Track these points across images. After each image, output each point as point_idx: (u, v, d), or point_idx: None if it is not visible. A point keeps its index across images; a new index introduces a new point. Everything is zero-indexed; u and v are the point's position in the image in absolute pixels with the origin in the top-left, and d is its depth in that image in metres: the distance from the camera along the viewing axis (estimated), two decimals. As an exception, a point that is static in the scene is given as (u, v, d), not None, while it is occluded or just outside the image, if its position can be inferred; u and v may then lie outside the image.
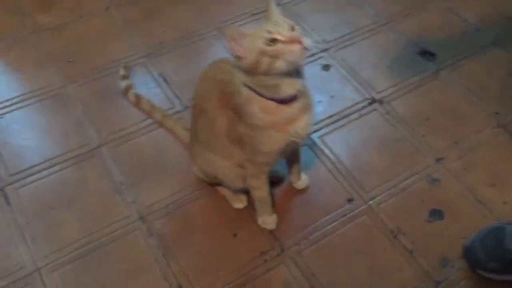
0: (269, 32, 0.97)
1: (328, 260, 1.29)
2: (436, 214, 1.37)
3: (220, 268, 1.27)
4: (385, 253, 1.30)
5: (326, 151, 1.49)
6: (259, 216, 1.32)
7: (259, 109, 1.07)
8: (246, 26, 1.81)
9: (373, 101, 1.62)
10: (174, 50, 1.73)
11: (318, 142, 1.51)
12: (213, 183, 1.36)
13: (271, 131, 1.09)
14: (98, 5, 1.86)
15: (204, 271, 1.26)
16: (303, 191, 1.41)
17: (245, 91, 1.07)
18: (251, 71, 1.02)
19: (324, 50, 1.75)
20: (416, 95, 1.64)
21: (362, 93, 1.64)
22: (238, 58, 1.01)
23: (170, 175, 1.43)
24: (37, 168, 1.43)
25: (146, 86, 1.63)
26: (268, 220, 1.32)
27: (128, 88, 1.58)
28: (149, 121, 1.54)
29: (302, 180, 1.40)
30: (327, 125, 1.55)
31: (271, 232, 1.33)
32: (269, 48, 0.97)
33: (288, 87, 1.05)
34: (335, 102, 1.61)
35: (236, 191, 1.34)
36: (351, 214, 1.37)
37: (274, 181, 1.40)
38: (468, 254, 1.26)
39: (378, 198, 1.40)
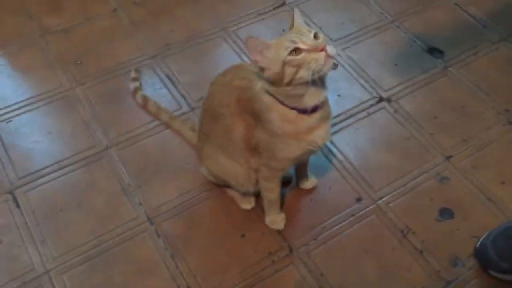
0: (292, 41, 0.97)
1: (337, 260, 1.28)
2: (446, 213, 1.36)
3: (228, 269, 1.27)
4: (394, 253, 1.29)
5: (334, 150, 1.49)
6: (267, 216, 1.32)
7: (278, 117, 1.07)
8: (253, 26, 1.81)
9: (380, 99, 1.61)
10: (181, 51, 1.73)
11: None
12: (220, 185, 1.36)
13: (289, 139, 1.09)
14: (105, 7, 1.86)
15: (212, 272, 1.26)
16: (311, 191, 1.40)
17: (266, 98, 1.06)
18: (276, 82, 1.01)
19: (331, 49, 1.74)
20: (424, 92, 1.62)
21: (369, 91, 1.63)
22: (262, 69, 1.01)
23: (178, 176, 1.43)
24: (46, 170, 1.44)
25: (153, 87, 1.63)
26: (276, 220, 1.32)
27: (136, 89, 1.58)
28: (156, 122, 1.55)
29: (310, 180, 1.39)
30: (335, 124, 1.54)
31: (279, 232, 1.32)
32: (293, 58, 0.97)
33: (312, 98, 1.04)
34: (343, 101, 1.60)
35: (248, 194, 1.33)
36: (359, 213, 1.36)
37: (283, 181, 1.39)
38: (479, 254, 1.25)
39: (386, 197, 1.39)
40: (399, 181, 1.42)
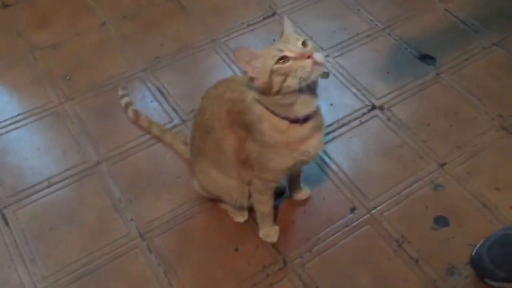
0: (279, 50, 0.97)
1: (332, 272, 1.27)
2: (441, 221, 1.35)
3: (222, 284, 1.25)
4: (390, 263, 1.28)
5: (327, 160, 1.47)
6: (261, 229, 1.30)
7: (270, 127, 1.05)
8: (243, 36, 1.80)
9: (373, 107, 1.59)
10: (171, 64, 1.72)
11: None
12: (211, 198, 1.34)
13: (281, 149, 1.08)
14: (94, 21, 1.85)
15: (206, 287, 1.24)
16: (304, 202, 1.39)
17: (257, 108, 1.06)
18: (265, 92, 1.01)
19: (322, 58, 1.73)
20: (417, 100, 1.61)
21: (362, 100, 1.61)
22: (252, 79, 1.01)
23: (170, 191, 1.41)
24: (35, 188, 1.42)
25: (143, 100, 1.62)
26: (270, 233, 1.30)
27: (128, 105, 1.57)
28: (147, 136, 1.53)
29: (303, 191, 1.38)
30: (327, 134, 1.53)
31: (273, 245, 1.31)
32: (280, 66, 0.96)
33: (303, 107, 1.03)
34: (335, 110, 1.59)
35: (242, 207, 1.31)
36: (354, 224, 1.35)
37: (276, 192, 1.37)
38: (475, 263, 1.23)
39: (381, 206, 1.38)
40: (393, 190, 1.41)
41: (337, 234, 1.33)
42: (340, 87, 1.65)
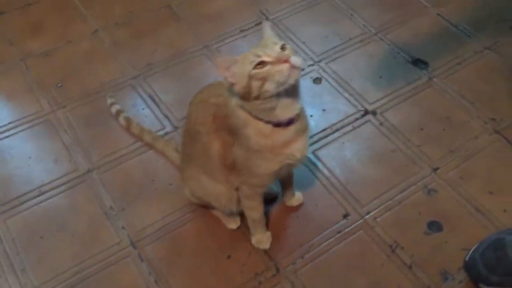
0: (257, 55, 0.97)
1: (325, 278, 1.26)
2: (434, 226, 1.34)
3: (214, 292, 1.24)
4: (383, 269, 1.27)
5: (320, 165, 1.47)
6: (253, 235, 1.30)
7: (254, 132, 1.05)
8: (236, 42, 1.80)
9: (366, 112, 1.59)
10: (163, 70, 1.72)
11: (311, 157, 1.48)
12: (203, 205, 1.34)
13: (266, 154, 1.07)
14: (86, 28, 1.85)
15: (197, 296, 1.23)
16: (297, 208, 1.38)
17: (241, 113, 1.05)
18: (245, 97, 1.01)
19: (315, 63, 1.73)
20: (410, 104, 1.61)
21: (354, 105, 1.61)
22: (231, 84, 1.01)
23: (161, 198, 1.40)
24: (26, 197, 1.41)
25: (135, 108, 1.61)
26: (262, 239, 1.30)
27: (118, 113, 1.56)
28: (139, 143, 1.52)
29: (296, 197, 1.37)
30: (320, 139, 1.52)
31: (266, 252, 1.30)
32: (257, 71, 0.96)
33: (285, 110, 1.03)
34: (327, 116, 1.59)
35: (232, 214, 1.31)
36: (347, 229, 1.34)
37: (267, 198, 1.37)
38: (469, 268, 1.22)
39: (374, 212, 1.37)
40: (386, 195, 1.40)
41: (330, 240, 1.32)
42: (333, 92, 1.65)
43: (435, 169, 1.45)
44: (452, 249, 1.29)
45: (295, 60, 0.96)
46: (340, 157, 1.49)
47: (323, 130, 1.55)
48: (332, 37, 1.81)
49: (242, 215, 1.30)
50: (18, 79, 1.70)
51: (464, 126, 1.54)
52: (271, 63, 0.96)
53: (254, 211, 1.23)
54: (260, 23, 1.85)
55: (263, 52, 0.97)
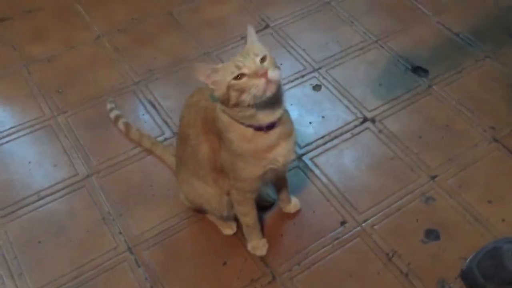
0: (237, 66, 0.99)
1: (321, 285, 1.26)
2: (431, 234, 1.33)
3: (209, 298, 1.24)
4: (379, 277, 1.26)
5: (317, 172, 1.47)
6: (249, 242, 1.30)
7: (237, 136, 1.07)
8: (236, 49, 1.80)
9: (365, 120, 1.59)
10: (164, 77, 1.73)
11: (309, 164, 1.48)
12: (199, 210, 1.34)
13: (249, 158, 1.08)
14: (88, 34, 1.86)
15: (193, 302, 1.24)
16: (294, 214, 1.38)
17: (224, 117, 1.07)
18: (224, 103, 1.03)
19: (315, 70, 1.73)
20: (409, 112, 1.61)
21: (353, 112, 1.61)
22: (213, 90, 1.03)
23: (159, 204, 1.41)
24: (25, 201, 1.42)
25: (135, 113, 1.62)
26: (258, 246, 1.30)
27: (117, 118, 1.57)
28: (138, 149, 1.53)
29: (293, 204, 1.37)
30: (318, 146, 1.53)
31: (262, 258, 1.30)
32: (235, 82, 0.98)
33: (265, 116, 1.04)
34: (327, 123, 1.59)
35: (227, 218, 1.31)
36: (344, 237, 1.34)
37: (264, 205, 1.38)
38: (466, 277, 1.22)
39: (371, 219, 1.37)
40: (384, 203, 1.40)
41: (326, 247, 1.32)
42: (332, 100, 1.65)
43: (434, 177, 1.45)
44: (449, 257, 1.29)
45: (272, 74, 0.98)
46: (338, 164, 1.49)
47: (322, 137, 1.55)
48: (332, 45, 1.81)
49: (238, 221, 1.31)
50: (20, 84, 1.71)
51: (463, 134, 1.54)
52: (249, 75, 0.98)
53: (247, 216, 1.23)
54: (261, 30, 1.86)
55: (243, 64, 0.98)
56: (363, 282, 1.26)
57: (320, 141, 1.54)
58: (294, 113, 1.60)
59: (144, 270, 1.29)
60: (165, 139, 1.55)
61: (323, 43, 1.82)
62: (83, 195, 1.43)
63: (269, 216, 1.38)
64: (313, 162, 1.49)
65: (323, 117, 1.60)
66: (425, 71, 1.72)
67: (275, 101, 1.03)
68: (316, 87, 1.69)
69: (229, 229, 1.33)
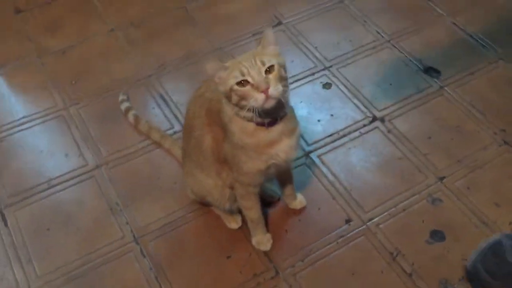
0: (241, 73, 1.00)
1: (323, 283, 1.26)
2: (437, 235, 1.33)
3: (212, 290, 1.25)
4: (383, 276, 1.26)
5: (325, 170, 1.47)
6: (253, 236, 1.31)
7: (238, 129, 1.08)
8: (248, 45, 1.81)
9: (374, 119, 1.59)
10: (175, 71, 1.74)
11: (317, 161, 1.49)
12: (204, 203, 1.35)
13: (250, 152, 1.09)
14: (102, 27, 1.89)
15: (196, 294, 1.25)
16: (299, 211, 1.38)
17: (228, 110, 1.08)
18: (227, 99, 1.05)
19: (326, 68, 1.73)
20: (419, 112, 1.60)
21: (363, 111, 1.61)
22: (217, 84, 1.05)
23: (165, 196, 1.42)
24: (35, 189, 1.45)
25: (146, 106, 1.64)
26: (262, 241, 1.30)
27: (128, 110, 1.59)
28: (147, 141, 1.55)
29: (298, 200, 1.38)
30: (326, 144, 1.53)
31: (266, 253, 1.30)
32: (238, 88, 1.00)
33: (265, 115, 1.04)
34: (335, 121, 1.59)
35: (230, 212, 1.32)
36: (348, 235, 1.34)
37: (269, 200, 1.38)
38: (471, 277, 1.22)
39: (377, 218, 1.37)
40: (390, 202, 1.40)
41: (331, 245, 1.32)
42: (342, 98, 1.65)
43: (441, 179, 1.44)
44: (453, 259, 1.28)
45: (273, 92, 0.99)
46: (345, 163, 1.49)
47: (330, 135, 1.55)
48: (344, 43, 1.81)
49: (244, 215, 1.31)
50: (34, 75, 1.74)
51: (473, 136, 1.53)
52: (251, 85, 0.99)
53: (251, 211, 1.24)
54: (274, 26, 1.86)
55: (247, 72, 0.99)
56: (366, 281, 1.26)
57: (328, 139, 1.54)
58: (303, 111, 1.60)
59: (149, 261, 1.30)
60: (174, 133, 1.57)
61: (335, 42, 1.82)
62: (92, 185, 1.46)
63: (274, 211, 1.38)
64: (320, 159, 1.49)
65: (332, 115, 1.60)
66: (437, 72, 1.71)
67: (275, 109, 1.03)
68: (326, 85, 1.69)
69: (234, 223, 1.34)
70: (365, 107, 1.62)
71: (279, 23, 1.88)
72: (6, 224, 1.38)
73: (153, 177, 1.46)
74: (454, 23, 1.85)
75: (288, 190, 1.34)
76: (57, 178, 1.47)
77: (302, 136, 1.51)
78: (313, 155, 1.50)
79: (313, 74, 1.72)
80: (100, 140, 1.56)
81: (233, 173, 1.16)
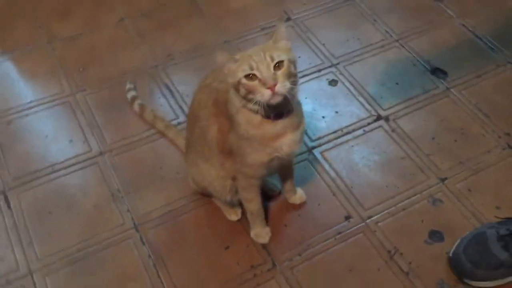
0: (250, 66, 1.00)
1: (320, 278, 1.26)
2: (435, 235, 1.33)
3: (209, 280, 1.26)
4: (380, 273, 1.27)
5: (326, 166, 1.47)
6: (252, 229, 1.31)
7: (245, 120, 1.08)
8: (256, 39, 1.81)
9: (378, 118, 1.59)
10: (182, 62, 1.75)
11: (319, 157, 1.49)
12: (206, 194, 1.36)
13: (255, 144, 1.10)
14: (112, 16, 1.90)
15: (192, 283, 1.26)
16: (299, 206, 1.39)
17: (235, 100, 1.08)
18: (235, 90, 1.05)
19: (332, 65, 1.73)
20: (424, 113, 1.60)
21: (368, 109, 1.61)
22: (226, 75, 1.05)
23: (167, 185, 1.43)
24: (39, 173, 1.47)
25: (152, 96, 1.65)
26: (261, 234, 1.31)
27: (134, 98, 1.60)
28: (152, 131, 1.56)
29: (298, 195, 1.38)
30: (330, 141, 1.53)
31: (264, 246, 1.31)
32: (245, 82, 1.01)
33: (273, 109, 1.05)
34: (340, 118, 1.59)
35: (231, 204, 1.33)
36: (347, 231, 1.34)
37: (270, 194, 1.39)
38: (454, 264, 1.24)
39: (376, 216, 1.37)
40: (391, 201, 1.40)
41: (329, 240, 1.33)
42: (347, 95, 1.65)
43: (443, 180, 1.44)
44: (451, 260, 1.28)
45: (281, 89, 0.99)
46: (348, 160, 1.49)
47: (334, 132, 1.55)
48: (353, 41, 1.81)
49: (243, 208, 1.32)
50: (43, 60, 1.76)
51: (477, 139, 1.53)
52: (259, 80, 0.99)
53: (251, 203, 1.25)
54: (284, 21, 1.86)
55: (256, 66, 0.99)
56: (362, 277, 1.26)
57: (331, 136, 1.55)
58: (308, 106, 1.61)
59: (148, 248, 1.31)
60: (179, 123, 1.58)
61: (343, 39, 1.82)
62: (95, 171, 1.47)
63: (274, 205, 1.39)
64: (323, 156, 1.50)
65: (336, 112, 1.61)
66: (444, 73, 1.70)
67: (281, 104, 1.03)
68: (332, 82, 1.69)
69: (234, 215, 1.35)
70: (370, 105, 1.62)
71: (288, 19, 1.88)
72: (9, 206, 1.40)
73: (156, 166, 1.47)
74: (463, 25, 1.85)
75: (288, 185, 1.35)
76: (61, 163, 1.49)
77: (305, 132, 1.51)
78: (316, 151, 1.51)
79: (319, 70, 1.72)
80: (105, 128, 1.57)
81: (237, 164, 1.17)
